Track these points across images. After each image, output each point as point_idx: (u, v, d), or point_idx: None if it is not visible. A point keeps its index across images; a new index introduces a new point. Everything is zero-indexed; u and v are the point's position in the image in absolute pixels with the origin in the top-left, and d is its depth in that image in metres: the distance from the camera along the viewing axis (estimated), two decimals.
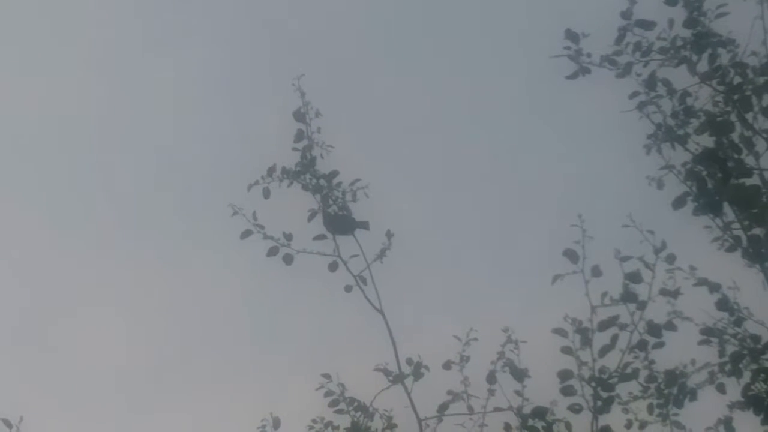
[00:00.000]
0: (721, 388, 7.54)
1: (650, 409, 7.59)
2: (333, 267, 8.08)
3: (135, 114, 15.01)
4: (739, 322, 7.43)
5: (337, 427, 7.83)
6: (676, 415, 7.58)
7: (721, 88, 7.32)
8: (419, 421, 7.76)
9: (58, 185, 15.16)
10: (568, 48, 7.40)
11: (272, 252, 8.08)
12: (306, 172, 8.07)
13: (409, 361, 7.85)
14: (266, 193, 8.04)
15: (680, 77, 7.40)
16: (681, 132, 7.48)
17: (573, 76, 7.44)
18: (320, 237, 8.09)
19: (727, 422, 7.61)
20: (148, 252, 14.00)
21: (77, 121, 15.31)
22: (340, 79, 13.10)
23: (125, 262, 14.03)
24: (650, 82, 7.46)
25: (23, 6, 15.07)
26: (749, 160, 7.31)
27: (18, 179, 14.67)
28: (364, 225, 8.09)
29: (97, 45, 15.35)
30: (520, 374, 7.59)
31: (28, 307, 13.69)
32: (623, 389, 7.50)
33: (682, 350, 7.61)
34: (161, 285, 13.74)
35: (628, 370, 7.41)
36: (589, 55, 7.42)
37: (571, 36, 7.40)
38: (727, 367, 7.48)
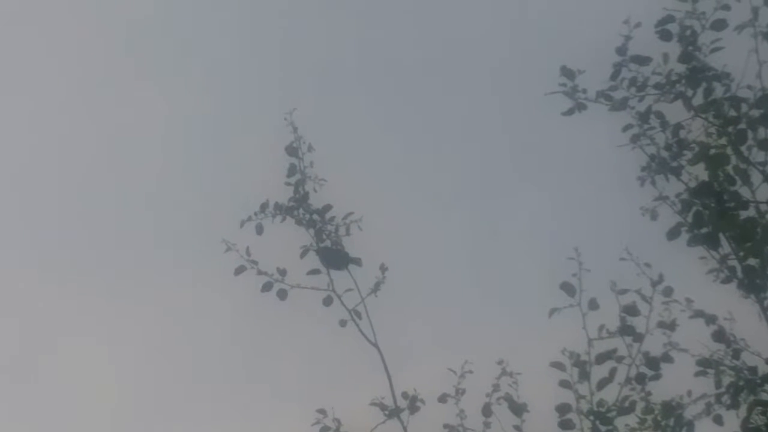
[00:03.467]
0: (718, 420, 7.53)
1: None
2: (327, 302, 8.07)
3: (125, 148, 14.99)
4: (736, 354, 7.46)
5: None
6: None
7: (716, 121, 7.33)
8: None
9: (44, 218, 15.11)
10: (563, 85, 7.43)
11: (266, 287, 8.08)
12: (299, 207, 8.07)
13: (404, 395, 7.83)
14: (259, 230, 8.06)
15: (675, 111, 7.43)
16: (675, 164, 7.50)
17: (569, 113, 7.46)
18: (314, 272, 8.10)
19: None
20: (141, 288, 13.96)
21: (65, 154, 15.29)
22: (332, 112, 13.14)
23: (117, 297, 13.99)
24: (644, 115, 7.48)
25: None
26: (744, 192, 7.33)
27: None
28: (357, 261, 8.09)
29: (87, 77, 15.33)
30: (518, 409, 7.59)
31: (11, 342, 13.63)
32: (620, 421, 7.50)
33: (678, 381, 7.62)
34: (154, 321, 13.70)
35: (626, 404, 7.41)
36: (584, 91, 7.45)
37: (567, 73, 7.42)
38: (724, 398, 7.49)
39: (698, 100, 7.36)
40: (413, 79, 14.60)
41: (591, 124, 7.60)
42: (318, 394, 8.28)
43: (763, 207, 7.29)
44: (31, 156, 15.33)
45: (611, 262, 7.49)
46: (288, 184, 8.13)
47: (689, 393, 7.60)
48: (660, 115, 7.48)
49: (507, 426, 7.63)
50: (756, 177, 7.34)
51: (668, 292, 7.40)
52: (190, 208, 14.14)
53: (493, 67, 13.79)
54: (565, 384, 7.40)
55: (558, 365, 7.41)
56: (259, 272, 8.08)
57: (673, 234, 7.46)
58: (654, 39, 7.37)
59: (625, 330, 7.38)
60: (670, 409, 7.54)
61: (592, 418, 7.36)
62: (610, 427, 7.38)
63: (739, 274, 7.37)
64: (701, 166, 7.41)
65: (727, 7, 7.27)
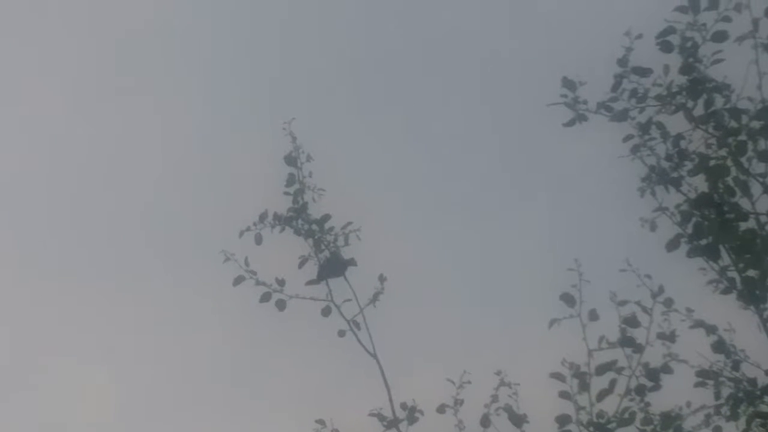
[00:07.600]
0: (717, 431, 7.54)
1: None
2: (326, 312, 8.07)
3: (122, 157, 14.98)
4: (736, 366, 7.46)
5: None
6: None
7: (716, 132, 7.34)
8: None
9: (42, 228, 15.08)
10: (565, 96, 7.44)
11: (265, 298, 8.07)
12: (298, 217, 8.06)
13: (403, 406, 7.81)
14: (258, 240, 8.05)
15: (675, 122, 7.44)
16: (675, 175, 7.51)
17: (570, 124, 7.47)
18: (313, 282, 8.10)
19: None
20: (139, 298, 13.94)
21: (59, 164, 15.27)
22: (331, 121, 13.13)
23: (114, 308, 13.96)
24: (644, 126, 7.49)
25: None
26: (744, 203, 7.34)
27: None
28: (351, 262, 8.07)
29: (77, 86, 15.31)
30: (518, 420, 7.57)
31: (7, 349, 13.60)
32: None
33: (677, 392, 7.62)
34: (152, 332, 13.68)
35: (626, 415, 7.39)
36: (585, 103, 7.47)
37: (568, 84, 7.44)
38: (723, 409, 7.50)
39: (699, 111, 7.37)
40: (413, 90, 14.61)
41: (592, 135, 7.62)
42: (316, 404, 8.26)
43: (762, 218, 7.29)
44: (29, 164, 15.30)
45: (611, 273, 7.49)
46: (287, 193, 8.12)
47: (688, 404, 7.59)
48: (660, 126, 7.49)
49: None
50: (756, 188, 7.34)
51: (668, 303, 7.39)
52: (189, 218, 14.13)
53: (495, 77, 13.81)
54: (564, 395, 7.37)
55: (558, 376, 7.39)
56: (258, 282, 8.07)
57: (672, 245, 7.45)
58: (655, 50, 7.38)
59: (625, 341, 7.36)
60: (670, 420, 7.51)
61: (591, 429, 7.33)
62: None
63: (739, 285, 7.37)
64: (701, 177, 7.41)
65: (727, 19, 7.28)
